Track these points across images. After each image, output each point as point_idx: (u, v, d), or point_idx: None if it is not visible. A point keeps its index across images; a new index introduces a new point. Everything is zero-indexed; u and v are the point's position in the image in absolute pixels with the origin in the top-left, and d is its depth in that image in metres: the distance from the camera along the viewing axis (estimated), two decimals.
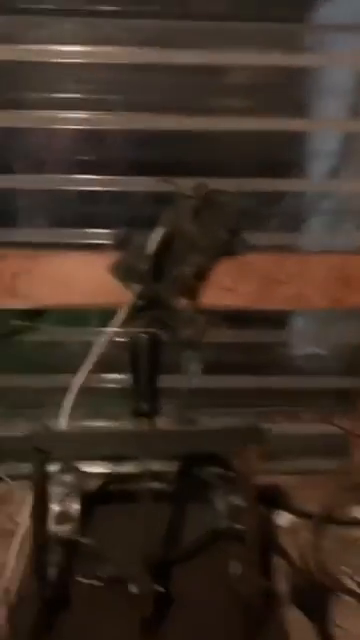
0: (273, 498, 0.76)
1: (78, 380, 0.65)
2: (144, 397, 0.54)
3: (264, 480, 0.82)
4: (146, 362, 0.54)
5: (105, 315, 0.80)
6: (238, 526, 0.66)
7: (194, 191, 0.67)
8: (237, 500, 0.69)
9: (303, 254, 0.76)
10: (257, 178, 0.73)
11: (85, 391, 0.82)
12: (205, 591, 0.59)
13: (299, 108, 0.74)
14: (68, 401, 0.61)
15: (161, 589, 0.53)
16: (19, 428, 0.80)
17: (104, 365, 0.82)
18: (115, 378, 0.81)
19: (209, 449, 0.64)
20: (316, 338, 0.91)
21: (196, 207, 0.67)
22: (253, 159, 0.74)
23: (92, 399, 0.82)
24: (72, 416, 0.80)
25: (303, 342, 0.90)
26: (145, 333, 0.55)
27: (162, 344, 0.56)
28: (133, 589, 0.53)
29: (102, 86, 0.74)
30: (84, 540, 0.63)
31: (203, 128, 0.72)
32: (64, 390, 0.66)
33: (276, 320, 0.81)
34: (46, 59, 0.68)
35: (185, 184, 0.68)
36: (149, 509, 0.56)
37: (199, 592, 0.59)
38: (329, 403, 0.87)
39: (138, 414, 0.54)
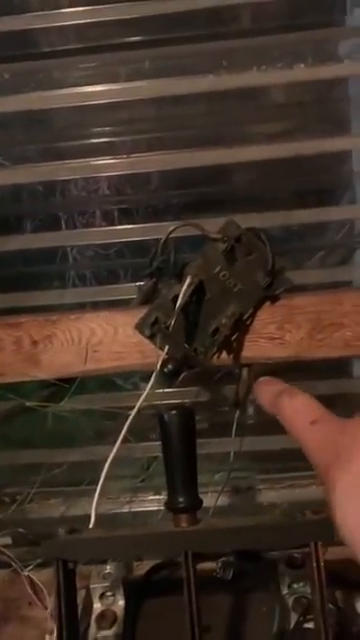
0: (355, 579, 0.64)
1: (111, 456, 0.56)
2: (180, 489, 0.45)
3: (339, 553, 0.71)
4: (178, 446, 0.45)
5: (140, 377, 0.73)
6: (308, 625, 0.56)
7: (223, 232, 0.59)
8: (307, 590, 0.59)
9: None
10: (298, 209, 0.64)
11: (126, 461, 0.74)
12: None
13: (341, 124, 0.64)
14: (97, 491, 0.52)
15: None
16: (55, 510, 0.74)
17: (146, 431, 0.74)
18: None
19: (262, 549, 0.54)
20: None
21: (227, 250, 0.58)
22: (291, 188, 0.65)
23: (134, 470, 0.75)
24: (115, 490, 0.74)
25: None
26: (174, 408, 0.46)
27: (194, 418, 0.47)
28: None
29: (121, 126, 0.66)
30: None
31: (237, 159, 0.63)
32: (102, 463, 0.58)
33: (335, 368, 0.71)
34: (74, 103, 0.61)
35: (215, 224, 0.60)
36: (203, 601, 0.47)
37: None
38: None
39: (175, 509, 0.45)
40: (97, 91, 0.60)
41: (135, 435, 0.70)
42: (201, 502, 0.45)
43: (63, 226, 0.68)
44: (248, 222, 0.61)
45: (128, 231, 0.64)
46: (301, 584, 0.58)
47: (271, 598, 0.59)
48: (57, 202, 0.66)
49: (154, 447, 0.71)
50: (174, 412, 0.45)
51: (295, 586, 0.59)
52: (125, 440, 0.71)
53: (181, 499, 0.44)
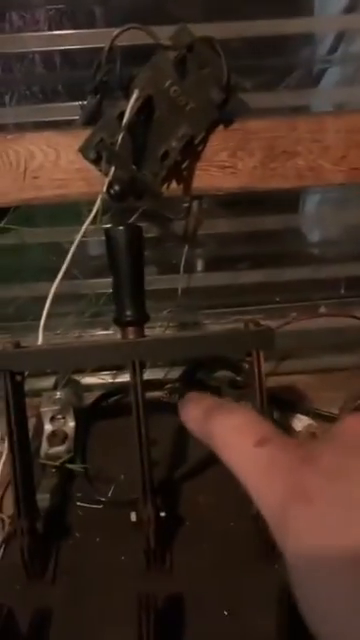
0: (289, 401, 0.69)
1: (54, 288, 0.55)
2: (127, 302, 0.44)
3: (279, 382, 0.76)
4: (126, 261, 0.44)
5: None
6: None
7: (174, 40, 0.53)
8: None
9: (316, 116, 0.62)
10: (255, 20, 0.58)
11: (74, 298, 0.74)
12: (214, 511, 0.54)
13: None
14: (44, 313, 0.51)
15: (162, 514, 0.47)
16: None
17: (95, 268, 0.73)
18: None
19: (208, 355, 0.56)
20: (330, 222, 0.79)
21: (179, 61, 0.53)
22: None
23: (82, 306, 0.74)
24: (60, 327, 0.74)
25: (316, 227, 0.79)
26: (122, 225, 0.44)
27: (143, 238, 0.45)
28: (132, 517, 0.47)
29: None
30: (79, 461, 0.57)
31: None
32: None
33: (285, 204, 0.70)
34: None
35: (164, 32, 0.53)
36: (151, 423, 0.49)
37: (208, 513, 0.54)
38: (348, 294, 0.78)
39: (122, 323, 0.45)
40: None
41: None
42: (148, 316, 0.45)
43: None
44: (202, 32, 0.55)
45: (67, 37, 0.57)
46: (242, 403, 0.62)
47: None
48: None
49: (103, 284, 0.70)
50: (121, 227, 0.44)
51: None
52: (72, 277, 0.70)
53: (128, 312, 0.44)
